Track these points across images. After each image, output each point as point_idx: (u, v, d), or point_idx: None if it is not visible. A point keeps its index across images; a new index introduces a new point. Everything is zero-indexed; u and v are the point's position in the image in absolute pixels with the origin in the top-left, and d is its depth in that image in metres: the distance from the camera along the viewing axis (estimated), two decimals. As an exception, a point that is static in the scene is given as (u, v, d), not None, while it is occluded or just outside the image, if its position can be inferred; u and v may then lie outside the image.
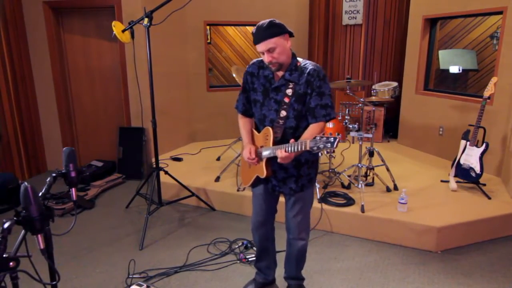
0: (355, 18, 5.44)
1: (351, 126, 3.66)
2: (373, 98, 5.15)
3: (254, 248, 2.92)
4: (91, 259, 2.94)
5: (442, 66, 4.95)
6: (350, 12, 5.47)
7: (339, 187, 3.71)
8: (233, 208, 3.69)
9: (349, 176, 3.68)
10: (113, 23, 3.23)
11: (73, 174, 1.58)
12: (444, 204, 3.33)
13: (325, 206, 3.30)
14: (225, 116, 5.43)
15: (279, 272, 2.53)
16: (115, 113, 4.86)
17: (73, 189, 1.61)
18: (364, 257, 2.92)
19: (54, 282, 1.55)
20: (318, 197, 3.37)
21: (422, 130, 4.90)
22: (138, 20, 3.21)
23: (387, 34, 5.52)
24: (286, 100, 1.97)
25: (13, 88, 4.44)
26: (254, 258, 2.62)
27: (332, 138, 1.66)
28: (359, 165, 3.61)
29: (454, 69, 4.53)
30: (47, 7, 4.49)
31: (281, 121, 1.99)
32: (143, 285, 2.44)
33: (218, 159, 4.64)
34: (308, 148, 1.72)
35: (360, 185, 3.43)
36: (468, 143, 3.54)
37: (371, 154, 3.65)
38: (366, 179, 3.81)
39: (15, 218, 1.27)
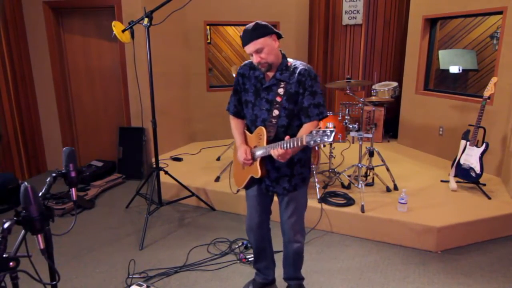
0: (355, 18, 5.44)
1: (351, 126, 3.66)
2: (373, 98, 5.15)
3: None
4: (91, 259, 2.94)
5: (442, 66, 4.94)
6: (350, 12, 5.47)
7: (339, 187, 3.71)
8: (233, 208, 3.69)
9: (349, 176, 3.68)
10: (113, 23, 3.23)
11: (73, 174, 1.58)
12: (444, 204, 3.33)
13: (325, 206, 3.30)
14: (225, 116, 5.37)
15: (279, 272, 2.53)
16: (115, 113, 4.86)
17: (73, 189, 1.61)
18: (364, 257, 2.92)
19: (54, 282, 1.55)
20: (318, 197, 3.37)
21: (422, 130, 4.90)
22: (138, 20, 3.21)
23: (387, 34, 5.52)
24: (278, 99, 1.99)
25: (13, 88, 4.44)
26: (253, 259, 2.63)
27: (328, 131, 1.66)
28: (359, 165, 3.61)
29: (454, 69, 4.53)
30: (47, 7, 4.49)
31: (274, 120, 2.01)
32: (143, 285, 2.44)
33: (218, 159, 4.64)
34: (304, 143, 1.72)
35: (360, 185, 3.43)
36: (468, 143, 3.54)
37: (371, 154, 3.65)
38: (366, 179, 3.81)
39: (15, 218, 1.27)
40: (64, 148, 1.59)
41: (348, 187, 3.66)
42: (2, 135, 4.33)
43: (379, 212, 3.17)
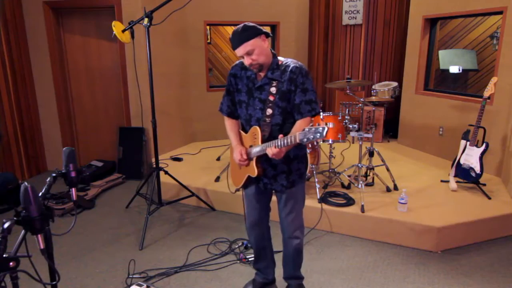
0: (355, 18, 5.44)
1: (351, 126, 3.66)
2: (373, 98, 5.15)
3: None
4: (91, 259, 2.94)
5: (442, 66, 4.94)
6: (350, 12, 5.47)
7: (339, 187, 3.71)
8: (233, 208, 3.69)
9: (349, 176, 3.68)
10: (113, 23, 3.23)
11: (73, 174, 1.58)
12: (444, 204, 3.33)
13: (325, 206, 3.30)
14: (225, 116, 5.42)
15: (279, 273, 2.53)
16: (115, 113, 4.86)
17: (73, 189, 1.61)
18: (364, 257, 2.92)
19: (54, 282, 1.55)
20: (318, 197, 3.37)
21: (422, 130, 4.90)
22: (138, 20, 3.21)
23: (387, 34, 5.53)
24: (271, 98, 2.00)
25: (13, 88, 4.44)
26: (253, 259, 2.63)
27: (320, 128, 1.67)
28: (359, 165, 3.61)
29: (454, 69, 4.53)
30: (47, 7, 4.49)
31: (267, 119, 2.02)
32: (143, 285, 2.44)
33: (218, 159, 4.64)
34: (298, 141, 1.74)
35: (360, 185, 3.43)
36: (468, 143, 3.54)
37: (371, 154, 3.65)
38: (366, 179, 3.81)
39: (15, 218, 1.27)
40: (64, 148, 1.59)
41: (348, 187, 3.66)
42: (2, 135, 4.33)
43: (379, 212, 3.17)
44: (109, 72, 4.74)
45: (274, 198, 2.28)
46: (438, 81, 5.28)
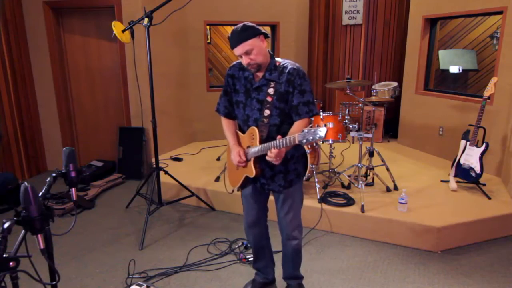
0: (355, 18, 5.44)
1: (351, 126, 3.66)
2: (373, 98, 5.15)
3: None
4: (91, 259, 2.94)
5: (442, 66, 4.94)
6: (350, 12, 5.47)
7: (339, 187, 3.71)
8: (233, 208, 3.69)
9: (349, 176, 3.68)
10: (113, 23, 3.23)
11: (73, 174, 1.58)
12: (444, 204, 3.33)
13: (325, 206, 3.30)
14: (225, 116, 5.42)
15: (278, 273, 2.53)
16: (115, 113, 4.86)
17: (73, 189, 1.61)
18: (364, 257, 2.92)
19: (54, 282, 1.55)
20: (318, 197, 3.37)
21: (422, 130, 4.90)
22: (138, 20, 3.21)
23: (387, 34, 5.53)
24: (269, 99, 2.01)
25: (13, 88, 4.44)
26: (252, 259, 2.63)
27: (319, 129, 1.67)
28: (359, 165, 3.61)
29: (454, 69, 4.53)
30: (47, 7, 4.49)
31: (265, 120, 2.02)
32: (143, 285, 2.44)
33: (218, 159, 4.64)
34: (297, 142, 1.74)
35: (360, 185, 3.43)
36: (468, 143, 3.54)
37: (371, 154, 3.65)
38: (366, 179, 3.81)
39: (15, 218, 1.27)
40: (64, 148, 1.59)
41: (348, 187, 3.66)
42: (2, 135, 4.33)
43: (379, 212, 3.17)
44: (109, 72, 4.74)
45: (271, 197, 2.28)
46: (438, 81, 5.28)
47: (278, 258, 2.53)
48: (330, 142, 3.60)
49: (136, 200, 3.89)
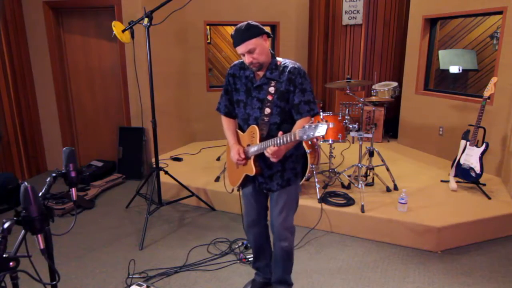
0: (355, 18, 5.44)
1: (351, 126, 3.66)
2: (373, 98, 5.15)
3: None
4: (91, 259, 2.94)
5: (442, 66, 4.94)
6: (350, 12, 5.47)
7: (339, 187, 3.71)
8: (233, 208, 3.69)
9: (349, 176, 3.68)
10: (113, 23, 3.23)
11: (73, 174, 1.58)
12: (444, 204, 3.33)
13: (325, 206, 3.30)
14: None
15: (279, 272, 2.53)
16: (115, 113, 4.86)
17: (73, 189, 1.61)
18: (364, 257, 2.92)
19: (54, 282, 1.55)
20: (318, 197, 3.37)
21: (422, 130, 4.90)
22: (138, 20, 3.21)
23: (387, 34, 5.53)
24: (270, 97, 2.02)
25: (13, 88, 4.44)
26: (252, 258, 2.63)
27: (320, 124, 1.67)
28: (359, 165, 3.61)
29: (454, 69, 4.53)
30: (47, 7, 4.49)
31: (266, 118, 2.03)
32: (143, 285, 2.44)
33: (218, 159, 4.64)
34: (298, 138, 1.73)
35: (360, 185, 3.43)
36: (468, 143, 3.54)
37: (371, 154, 3.65)
38: (366, 179, 3.81)
39: (15, 218, 1.27)
40: (64, 148, 1.59)
41: (348, 187, 3.66)
42: (2, 135, 4.33)
43: (379, 212, 3.17)
44: (109, 72, 4.74)
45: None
46: (438, 81, 5.29)
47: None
48: (330, 142, 3.60)
49: (136, 200, 3.89)
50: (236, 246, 3.08)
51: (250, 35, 1.91)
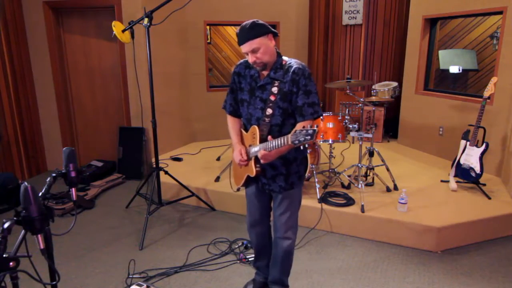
0: (355, 18, 5.44)
1: (351, 126, 3.66)
2: (373, 98, 5.15)
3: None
4: (91, 259, 2.94)
5: (442, 66, 4.94)
6: (350, 12, 5.47)
7: (339, 187, 3.71)
8: (233, 208, 3.69)
9: (349, 176, 3.68)
10: (113, 23, 3.23)
11: (73, 174, 1.58)
12: (444, 204, 3.33)
13: (325, 206, 3.30)
14: (225, 116, 5.41)
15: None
16: (115, 113, 4.86)
17: (73, 189, 1.61)
18: (364, 257, 2.92)
19: (54, 282, 1.55)
20: (318, 197, 3.37)
21: (422, 130, 4.90)
22: (138, 20, 3.21)
23: (387, 34, 5.52)
24: (272, 98, 1.99)
25: (13, 88, 4.44)
26: (253, 258, 2.63)
27: (310, 130, 1.66)
28: (359, 165, 3.61)
29: (454, 69, 4.53)
30: (47, 7, 4.49)
31: (267, 119, 2.00)
32: (143, 285, 2.44)
33: (218, 159, 4.64)
34: (289, 142, 1.72)
35: (360, 185, 3.43)
36: (468, 143, 3.54)
37: (371, 154, 3.65)
38: (366, 179, 3.81)
39: (15, 218, 1.27)
40: (64, 148, 1.59)
41: (348, 187, 3.66)
42: (2, 135, 4.33)
43: (379, 212, 3.17)
44: (109, 72, 4.74)
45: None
46: (438, 81, 5.28)
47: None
48: (330, 142, 3.60)
49: (136, 200, 3.89)
50: (236, 246, 3.08)
51: (254, 34, 1.88)
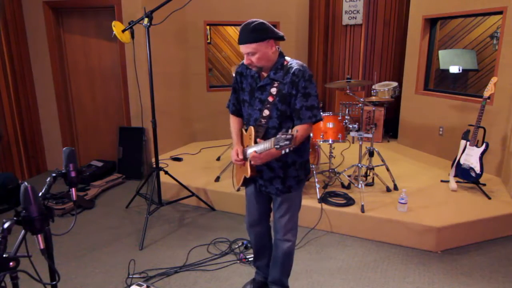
0: (355, 18, 5.44)
1: (351, 126, 3.66)
2: (373, 98, 5.15)
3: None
4: (91, 259, 2.94)
5: (442, 66, 4.94)
6: (350, 12, 5.47)
7: (339, 187, 3.71)
8: (233, 208, 3.69)
9: (349, 176, 3.68)
10: (113, 23, 3.23)
11: (73, 174, 1.58)
12: (444, 204, 3.33)
13: (325, 206, 3.30)
14: (225, 116, 5.35)
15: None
16: (115, 113, 4.86)
17: (73, 189, 1.61)
18: (364, 257, 2.92)
19: (54, 282, 1.55)
20: (318, 197, 3.37)
21: (422, 130, 4.90)
22: (138, 20, 3.21)
23: (387, 34, 5.53)
24: (270, 99, 1.96)
25: (13, 88, 4.44)
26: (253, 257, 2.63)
27: (289, 135, 1.67)
28: (359, 165, 3.61)
29: (454, 69, 4.53)
30: (47, 7, 4.49)
31: (263, 120, 1.98)
32: (143, 285, 2.44)
33: (218, 159, 4.64)
34: (273, 146, 1.73)
35: (360, 185, 3.43)
36: (468, 143, 3.54)
37: (371, 154, 3.65)
38: (366, 179, 3.81)
39: (15, 218, 1.27)
40: (64, 148, 1.59)
41: (348, 187, 3.66)
42: (2, 135, 4.33)
43: (379, 212, 3.17)
44: (109, 72, 4.74)
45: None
46: (438, 81, 5.28)
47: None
48: (330, 142, 3.60)
49: (136, 200, 3.89)
50: (236, 246, 3.08)
51: (253, 39, 1.85)
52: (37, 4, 4.49)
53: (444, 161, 4.50)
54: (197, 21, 5.12)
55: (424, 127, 4.86)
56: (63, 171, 1.58)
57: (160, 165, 3.61)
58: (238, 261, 2.87)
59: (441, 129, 4.60)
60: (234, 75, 2.19)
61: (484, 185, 3.57)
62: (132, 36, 3.30)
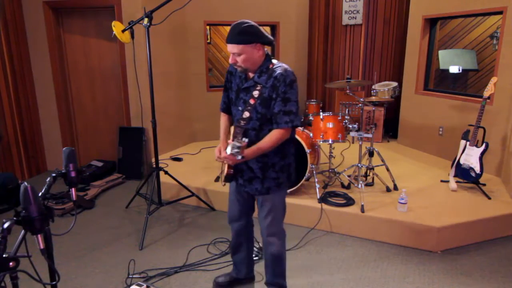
0: (355, 18, 5.44)
1: (351, 126, 3.66)
2: (373, 98, 5.15)
3: (255, 248, 2.92)
4: (91, 259, 2.94)
5: (442, 66, 4.95)
6: (350, 12, 5.47)
7: (339, 187, 3.71)
8: (233, 208, 3.69)
9: (349, 176, 3.68)
10: (113, 23, 3.23)
11: (73, 174, 1.58)
12: (444, 204, 3.33)
13: (325, 206, 3.30)
14: (225, 116, 5.42)
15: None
16: (115, 113, 4.86)
17: (73, 189, 1.61)
18: (364, 257, 2.92)
19: (54, 282, 1.55)
20: (318, 197, 3.37)
21: (422, 130, 4.90)
22: (138, 20, 3.21)
23: (387, 34, 5.53)
24: (252, 101, 1.97)
25: (13, 88, 4.44)
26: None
27: (238, 143, 1.73)
28: (359, 165, 3.61)
29: (454, 69, 4.53)
30: (47, 7, 4.49)
31: (242, 122, 1.98)
32: (143, 285, 2.44)
33: (218, 159, 4.63)
34: (230, 151, 1.79)
35: (360, 185, 3.43)
36: (468, 143, 3.54)
37: (371, 154, 3.65)
38: (366, 179, 3.81)
39: (15, 218, 1.27)
40: (64, 148, 1.59)
41: (348, 187, 3.66)
42: (2, 135, 4.33)
43: (379, 212, 3.17)
44: (109, 72, 4.74)
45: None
46: (438, 81, 5.29)
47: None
48: (330, 142, 3.60)
49: (136, 200, 3.89)
50: (236, 246, 3.07)
51: (239, 40, 1.86)
52: (37, 4, 4.49)
53: (444, 161, 4.50)
54: (197, 21, 5.12)
55: (424, 127, 4.86)
56: (63, 171, 1.58)
57: (160, 165, 3.61)
58: (238, 261, 2.87)
59: (441, 129, 4.61)
60: (226, 73, 2.22)
61: (484, 185, 3.57)
62: (132, 36, 3.30)
